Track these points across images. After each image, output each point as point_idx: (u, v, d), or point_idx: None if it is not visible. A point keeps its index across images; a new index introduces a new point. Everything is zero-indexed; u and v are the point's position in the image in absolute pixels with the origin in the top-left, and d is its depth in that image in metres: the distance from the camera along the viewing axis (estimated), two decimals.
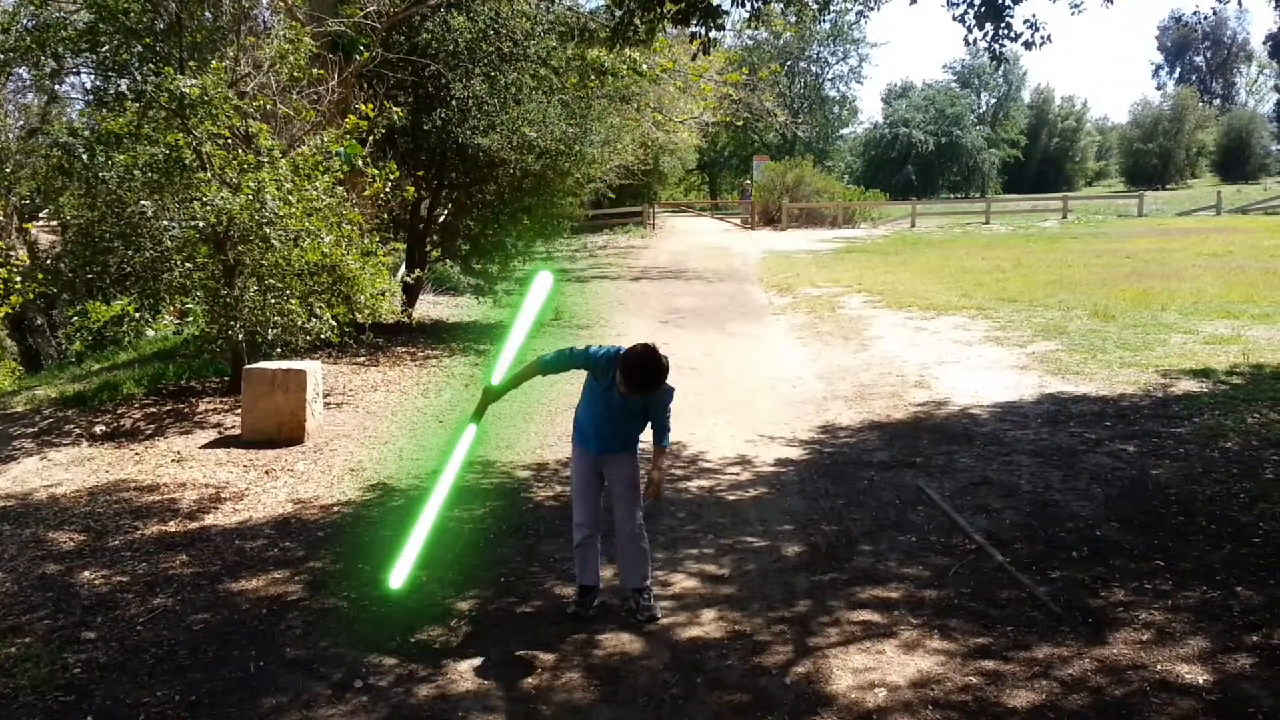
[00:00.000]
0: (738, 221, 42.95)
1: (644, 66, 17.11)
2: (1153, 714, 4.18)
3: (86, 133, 10.36)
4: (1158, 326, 13.90)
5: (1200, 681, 4.43)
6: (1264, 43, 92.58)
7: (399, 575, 5.03)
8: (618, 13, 10.07)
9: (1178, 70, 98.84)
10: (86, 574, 6.20)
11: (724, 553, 6.31)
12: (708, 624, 5.23)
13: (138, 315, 10.65)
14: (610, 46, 11.25)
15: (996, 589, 5.56)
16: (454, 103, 14.92)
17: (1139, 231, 32.83)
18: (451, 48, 14.95)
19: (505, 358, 5.34)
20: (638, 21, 9.83)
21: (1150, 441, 8.38)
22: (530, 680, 4.67)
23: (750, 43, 52.94)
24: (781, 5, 12.24)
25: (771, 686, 4.54)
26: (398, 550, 5.10)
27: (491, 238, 17.24)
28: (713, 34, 9.70)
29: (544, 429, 9.78)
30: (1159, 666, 4.58)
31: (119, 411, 10.75)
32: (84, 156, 10.01)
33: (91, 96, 12.18)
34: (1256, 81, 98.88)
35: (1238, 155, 74.93)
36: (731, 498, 7.50)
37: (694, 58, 11.72)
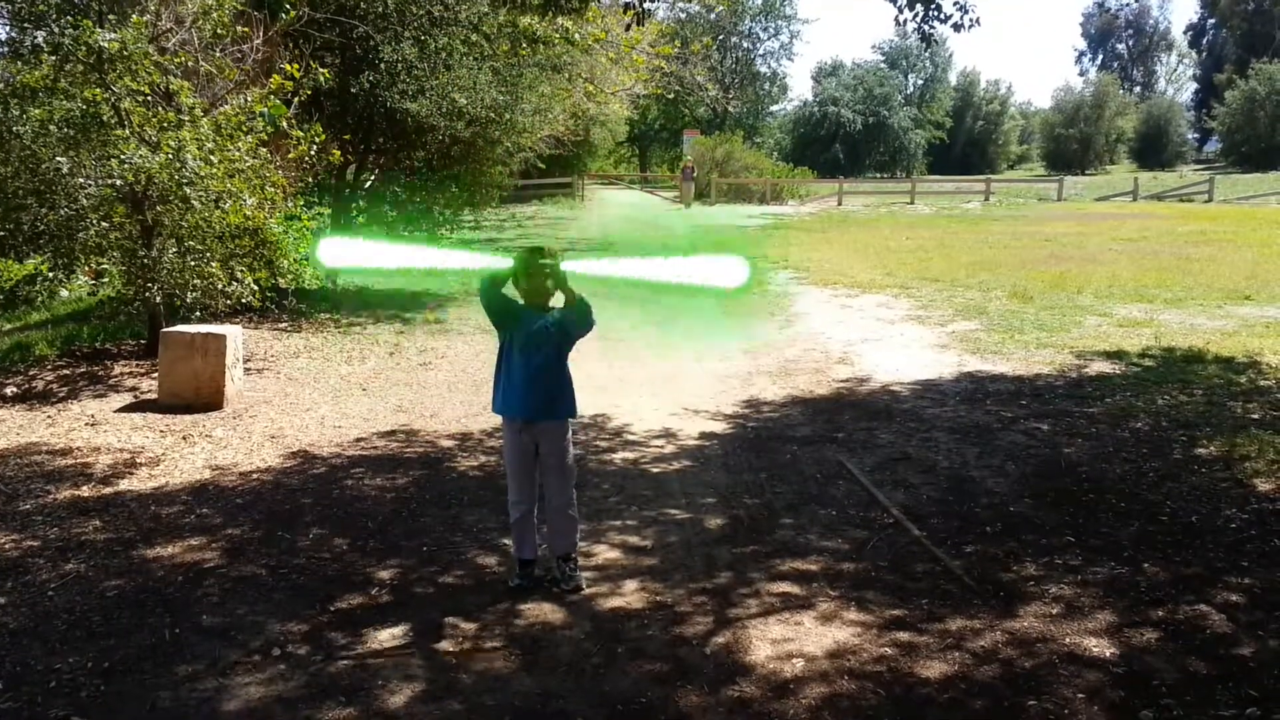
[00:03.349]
0: (669, 196, 42.92)
1: (576, 36, 16.99)
2: (1060, 685, 4.29)
3: (0, 85, 10.04)
4: (1074, 309, 14.20)
5: (1107, 654, 4.56)
6: (1184, 32, 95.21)
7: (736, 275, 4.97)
8: None
9: (1100, 57, 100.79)
10: None
11: (647, 525, 6.34)
12: (629, 595, 5.26)
13: (51, 275, 10.39)
14: (543, 14, 11.19)
15: (912, 562, 5.66)
16: (383, 66, 14.70)
17: (1058, 215, 33.50)
18: (381, 9, 14.72)
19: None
20: None
21: (1064, 421, 8.58)
22: (451, 649, 4.66)
23: (683, 15, 52.85)
24: None
25: (691, 656, 4.58)
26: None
27: (419, 205, 17.08)
28: (646, 5, 9.68)
29: (469, 398, 9.74)
30: (1067, 639, 4.69)
31: (31, 373, 10.49)
32: None
33: (6, 49, 11.78)
34: (1176, 71, 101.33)
35: (1156, 143, 76.64)
36: (655, 470, 7.53)
37: (627, 28, 11.72)
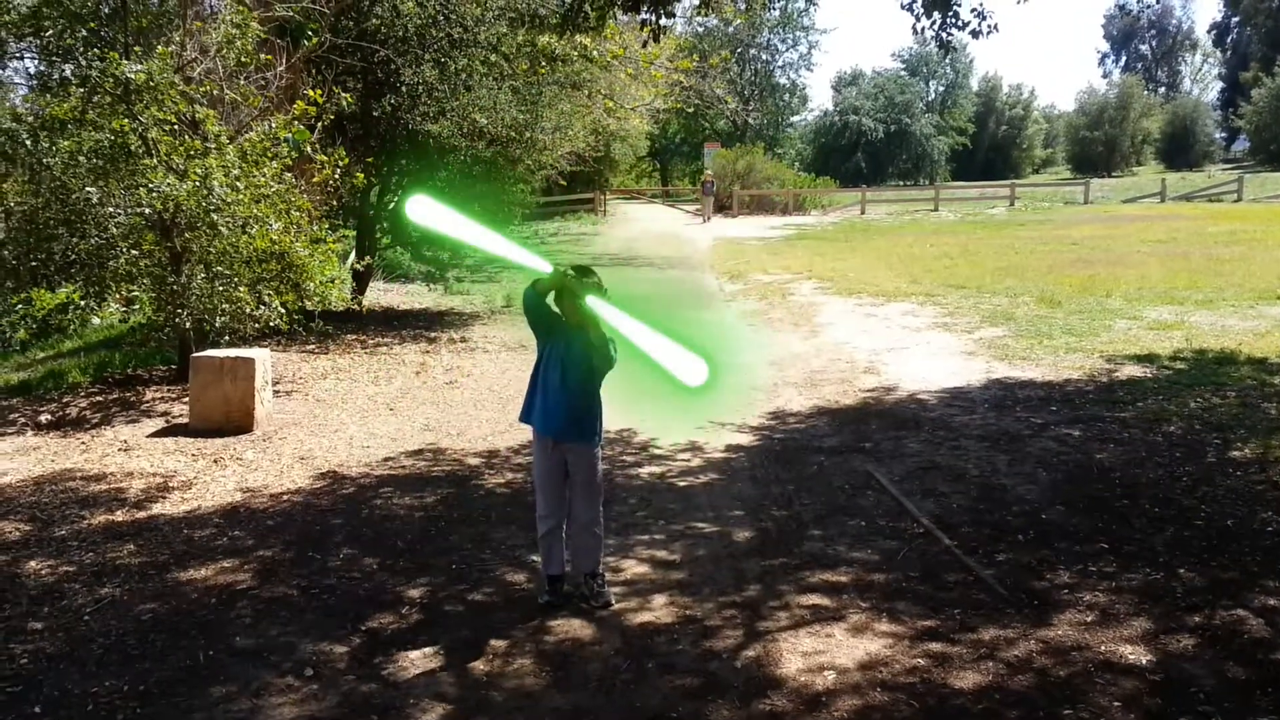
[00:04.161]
0: (690, 210, 42.91)
1: (595, 53, 17.06)
2: (1096, 694, 4.26)
3: (30, 118, 10.18)
4: (1103, 312, 14.11)
5: (1143, 662, 4.52)
6: (1208, 31, 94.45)
7: (695, 375, 4.74)
8: None
9: (1123, 59, 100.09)
10: (33, 564, 6.12)
11: (675, 538, 6.34)
12: (659, 609, 5.26)
13: (83, 303, 10.49)
14: (561, 33, 11.22)
15: (944, 572, 5.63)
16: (404, 89, 14.81)
17: (1085, 218, 33.26)
18: (401, 33, 14.83)
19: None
20: (588, 8, 9.82)
21: (1095, 426, 8.52)
22: (481, 667, 4.67)
23: (701, 29, 52.91)
24: None
25: (722, 670, 4.58)
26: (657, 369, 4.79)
27: None
28: (663, 21, 9.70)
29: (495, 415, 9.77)
30: (1102, 647, 4.66)
31: (65, 400, 10.60)
32: (28, 142, 9.83)
33: (35, 82, 11.96)
34: (1201, 70, 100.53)
35: (1182, 143, 75.94)
36: (682, 484, 7.53)
37: (644, 44, 11.75)
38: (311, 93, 11.85)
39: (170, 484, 7.81)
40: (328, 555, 6.18)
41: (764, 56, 66.75)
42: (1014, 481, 7.21)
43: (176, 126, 10.61)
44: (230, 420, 9.36)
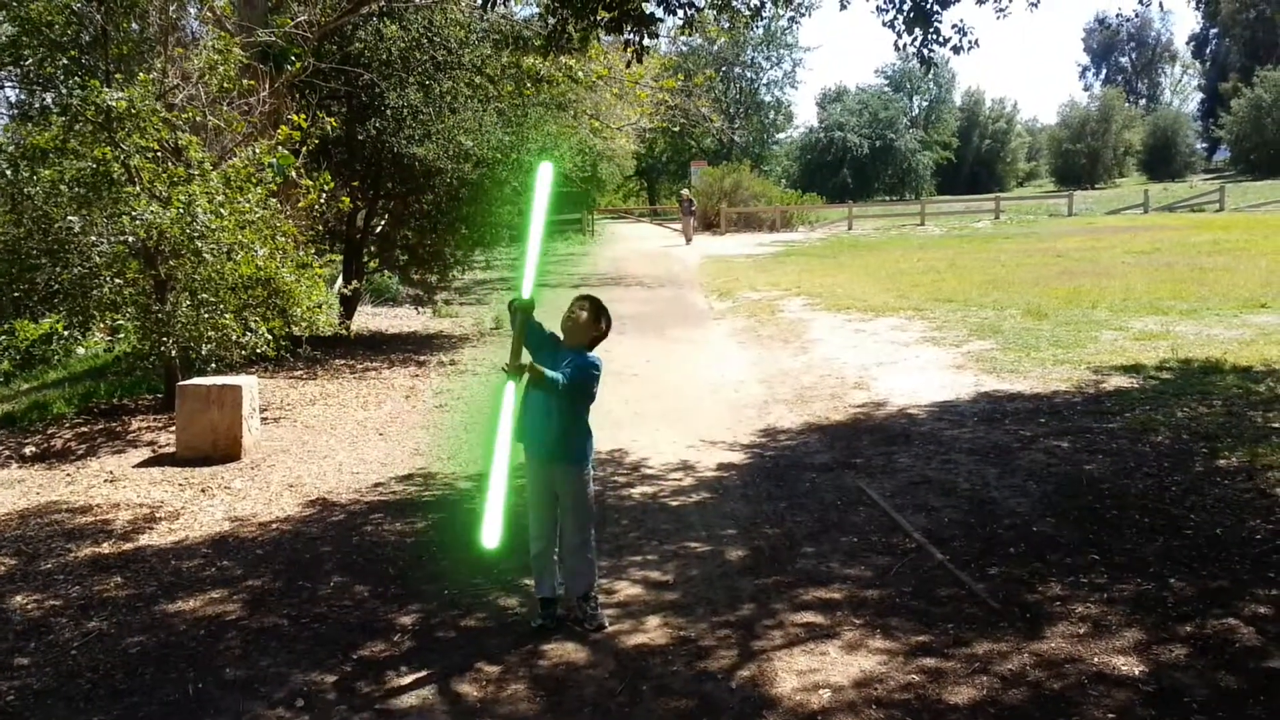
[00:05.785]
0: (678, 228, 43.06)
1: (580, 74, 17.14)
2: (1090, 706, 4.25)
3: (11, 148, 10.16)
4: (1089, 324, 14.14)
5: (1136, 673, 4.51)
6: (1187, 43, 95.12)
7: (491, 534, 4.82)
8: (551, 20, 10.07)
9: (1104, 71, 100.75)
10: (18, 598, 6.07)
11: (668, 559, 6.31)
12: (652, 631, 5.23)
13: (67, 333, 10.47)
14: (545, 54, 11.25)
15: (936, 587, 5.62)
16: (388, 112, 14.82)
17: (1069, 230, 33.42)
18: (385, 57, 14.86)
19: (530, 263, 5.40)
20: (571, 29, 9.83)
21: (1084, 437, 8.52)
22: (475, 693, 4.64)
23: (685, 49, 53.13)
24: (714, 12, 12.30)
25: (717, 691, 4.55)
26: (478, 514, 4.96)
27: (430, 248, 17.15)
28: (646, 41, 9.73)
29: (486, 439, 9.72)
30: (1095, 659, 4.65)
31: (49, 432, 10.54)
32: (8, 172, 9.81)
33: (15, 111, 11.97)
34: (1180, 81, 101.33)
35: (1164, 154, 76.38)
36: (674, 503, 7.51)
37: (629, 64, 11.79)
38: (295, 117, 11.84)
39: (157, 514, 7.76)
40: (318, 584, 6.14)
41: (749, 74, 67.21)
42: (1004, 494, 7.21)
43: (159, 154, 10.58)
44: (217, 449, 9.31)
